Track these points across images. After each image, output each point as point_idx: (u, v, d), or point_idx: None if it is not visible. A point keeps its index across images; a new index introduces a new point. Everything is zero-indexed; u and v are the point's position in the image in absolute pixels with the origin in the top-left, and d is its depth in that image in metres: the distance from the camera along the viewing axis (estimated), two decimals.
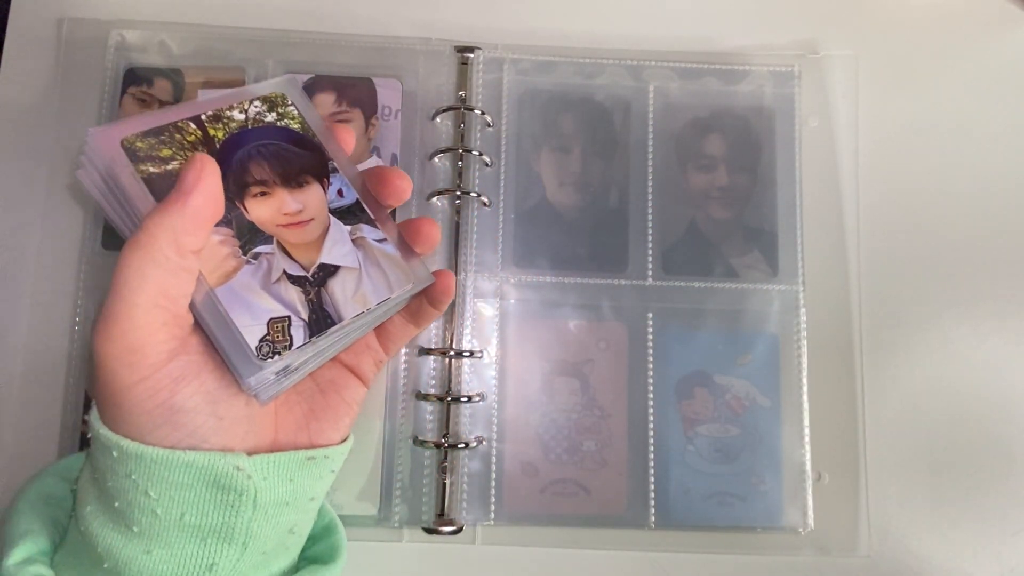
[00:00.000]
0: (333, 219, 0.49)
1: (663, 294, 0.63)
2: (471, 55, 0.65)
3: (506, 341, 0.62)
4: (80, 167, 0.46)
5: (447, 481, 0.60)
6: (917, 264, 0.65)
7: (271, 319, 0.46)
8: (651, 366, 0.62)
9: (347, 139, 0.52)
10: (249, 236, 0.47)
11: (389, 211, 0.52)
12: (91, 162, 0.46)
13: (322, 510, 0.53)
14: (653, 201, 0.65)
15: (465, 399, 0.60)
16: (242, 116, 0.50)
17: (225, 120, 0.49)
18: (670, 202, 0.65)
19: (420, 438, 0.60)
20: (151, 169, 0.46)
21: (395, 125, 0.64)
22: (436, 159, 0.63)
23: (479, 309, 0.62)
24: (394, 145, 0.63)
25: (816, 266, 0.64)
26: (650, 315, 0.63)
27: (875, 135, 0.67)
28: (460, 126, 0.64)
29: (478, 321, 0.62)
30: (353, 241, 0.50)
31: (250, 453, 0.45)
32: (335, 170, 0.51)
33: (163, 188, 0.45)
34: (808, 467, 0.61)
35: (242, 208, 0.47)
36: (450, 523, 0.59)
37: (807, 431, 0.62)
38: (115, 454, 0.42)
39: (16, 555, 0.44)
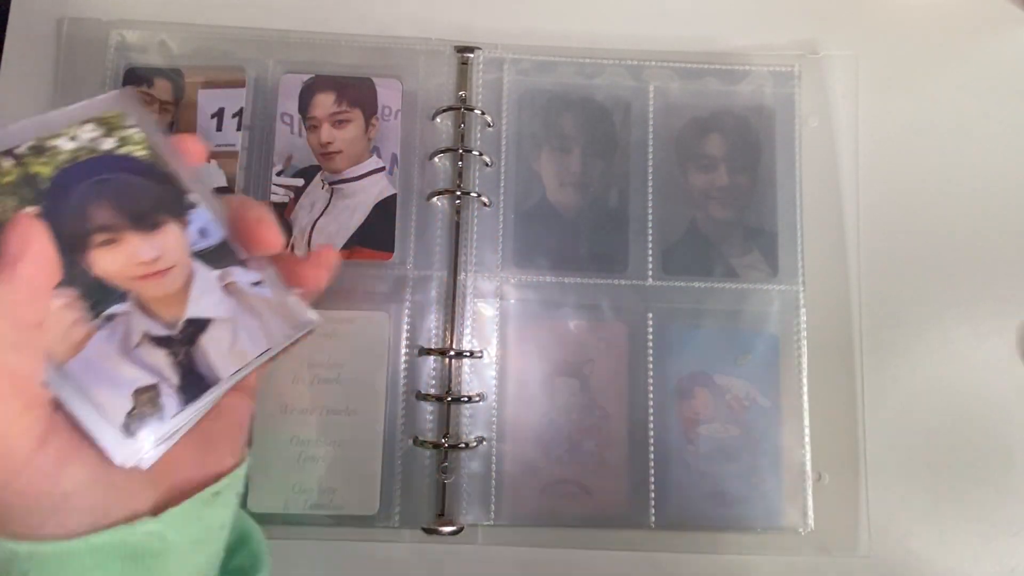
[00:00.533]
0: (197, 264, 0.43)
1: (663, 294, 0.63)
2: (471, 55, 0.65)
3: (506, 341, 0.62)
4: None
5: (447, 481, 0.60)
6: (917, 264, 0.65)
7: (136, 390, 0.40)
8: (651, 366, 0.62)
9: (196, 150, 0.45)
10: (98, 295, 0.40)
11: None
12: None
13: (233, 523, 0.50)
14: (653, 201, 0.65)
15: (465, 399, 0.60)
16: (72, 144, 0.41)
17: (50, 152, 0.40)
18: (670, 202, 0.65)
19: (420, 438, 0.60)
20: None
21: (395, 125, 0.64)
22: (436, 159, 0.63)
23: (479, 309, 0.62)
24: (394, 145, 0.63)
25: (816, 266, 0.64)
26: (650, 315, 0.63)
27: (875, 135, 0.67)
28: (460, 126, 0.64)
29: (478, 321, 0.62)
30: (223, 287, 0.43)
31: (155, 510, 0.41)
32: (193, 205, 0.43)
33: None
34: (808, 467, 0.61)
35: (86, 262, 0.40)
36: (450, 523, 0.59)
37: (807, 431, 0.62)
38: (4, 555, 0.38)
39: None
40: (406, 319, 0.62)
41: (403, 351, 0.61)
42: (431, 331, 0.62)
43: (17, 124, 0.41)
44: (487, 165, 0.64)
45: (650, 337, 0.63)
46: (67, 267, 0.39)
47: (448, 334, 0.61)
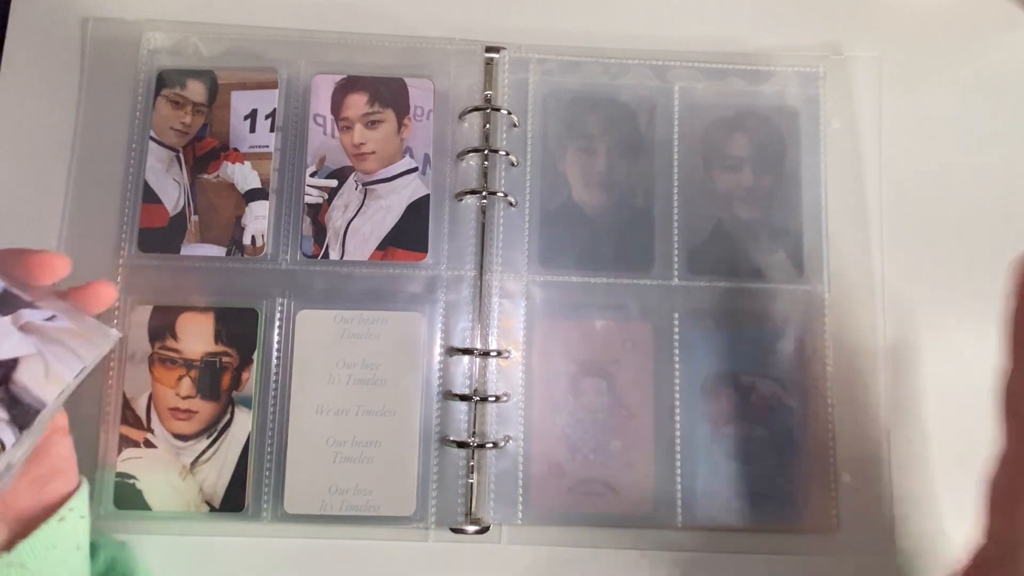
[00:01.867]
0: None
1: (689, 294, 0.64)
2: (496, 55, 0.65)
3: (532, 341, 0.63)
4: None
5: (473, 481, 0.60)
6: (941, 264, 0.65)
7: None
8: (677, 366, 0.63)
9: None
10: None
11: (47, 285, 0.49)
12: None
13: (100, 549, 0.56)
14: (678, 201, 0.65)
15: (492, 399, 0.61)
16: None
17: None
18: (695, 202, 0.65)
19: (449, 438, 0.60)
20: None
21: (427, 125, 0.64)
22: (463, 159, 0.64)
23: (505, 309, 0.62)
24: (426, 145, 0.63)
25: (841, 266, 0.64)
26: (676, 315, 0.63)
27: (899, 136, 0.67)
28: (486, 126, 0.64)
29: (505, 321, 0.62)
30: (20, 328, 0.46)
31: (7, 545, 0.48)
32: None
33: None
34: (833, 467, 0.61)
35: None
36: (476, 523, 0.60)
37: (832, 431, 0.62)
38: None
39: None
40: (440, 319, 0.62)
41: (437, 351, 0.61)
42: (464, 331, 0.62)
43: None
44: (513, 165, 0.64)
45: (676, 337, 0.63)
46: None
47: (475, 334, 0.61)
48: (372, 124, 0.63)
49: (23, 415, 0.45)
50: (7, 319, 0.46)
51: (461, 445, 0.60)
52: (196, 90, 0.63)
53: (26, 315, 0.46)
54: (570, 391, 0.62)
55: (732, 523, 0.61)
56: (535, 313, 0.63)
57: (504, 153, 0.64)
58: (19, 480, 0.50)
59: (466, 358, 0.61)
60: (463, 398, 0.60)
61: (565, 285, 0.63)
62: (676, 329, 0.63)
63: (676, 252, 0.64)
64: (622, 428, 0.62)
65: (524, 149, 0.65)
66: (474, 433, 0.60)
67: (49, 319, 0.46)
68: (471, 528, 0.60)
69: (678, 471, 0.61)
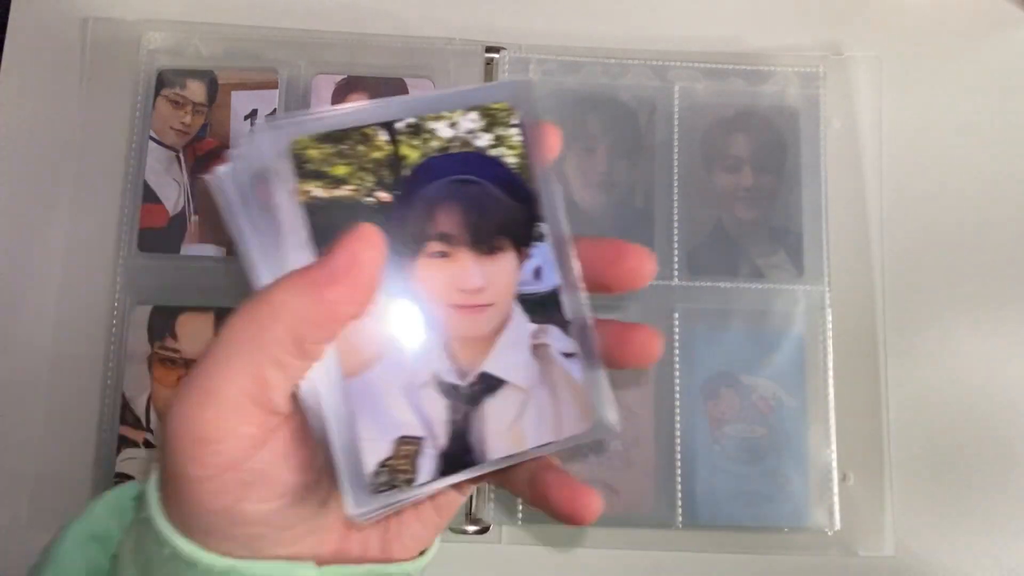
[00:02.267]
0: (517, 310, 0.36)
1: (689, 294, 0.63)
2: (496, 56, 0.65)
3: None
4: (218, 169, 0.35)
5: None
6: (941, 263, 0.65)
7: (402, 437, 0.34)
8: (677, 366, 0.62)
9: (554, 143, 0.40)
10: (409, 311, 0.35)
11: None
12: (242, 164, 0.35)
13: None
14: (678, 201, 0.65)
15: None
16: (449, 132, 0.36)
17: (425, 135, 0.36)
18: (695, 202, 0.65)
19: None
20: (317, 191, 0.34)
21: None
22: None
23: None
24: None
25: (841, 266, 0.64)
26: (676, 315, 0.63)
27: (898, 135, 0.67)
28: None
29: None
30: (533, 347, 0.36)
31: (317, 560, 0.37)
32: (541, 236, 0.37)
33: (323, 223, 0.34)
34: (834, 467, 0.61)
35: (410, 269, 0.35)
36: (476, 523, 0.59)
37: (833, 431, 0.62)
38: (166, 551, 0.34)
39: None
40: None
41: None
42: None
43: (409, 96, 0.39)
44: None
45: (676, 337, 0.63)
46: (391, 271, 0.34)
47: None
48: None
49: (454, 457, 0.35)
50: (532, 328, 0.36)
51: None
52: (196, 90, 0.63)
53: (551, 335, 0.36)
54: None
55: (732, 523, 0.61)
56: None
57: None
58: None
59: None
60: None
61: None
62: (676, 329, 0.63)
63: (676, 252, 0.64)
64: (622, 428, 0.61)
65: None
66: None
67: (568, 355, 0.37)
68: (471, 528, 0.59)
69: (678, 471, 0.61)
